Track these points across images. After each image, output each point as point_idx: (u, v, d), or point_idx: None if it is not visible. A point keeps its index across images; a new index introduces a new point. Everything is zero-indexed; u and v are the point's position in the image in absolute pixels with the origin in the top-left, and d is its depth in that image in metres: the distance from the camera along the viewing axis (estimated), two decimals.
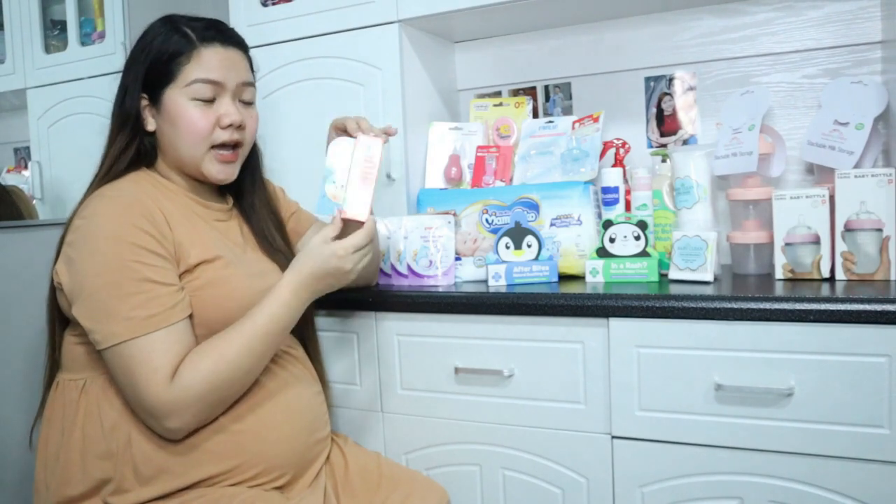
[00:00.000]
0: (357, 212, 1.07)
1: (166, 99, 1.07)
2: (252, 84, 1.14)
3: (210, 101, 1.07)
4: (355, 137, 1.12)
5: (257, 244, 1.18)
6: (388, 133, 1.17)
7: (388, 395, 1.32)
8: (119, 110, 1.10)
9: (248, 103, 1.13)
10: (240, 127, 1.10)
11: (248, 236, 1.18)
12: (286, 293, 1.03)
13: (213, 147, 1.08)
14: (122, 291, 0.95)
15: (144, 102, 1.09)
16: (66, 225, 1.04)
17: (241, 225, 1.19)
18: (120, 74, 1.11)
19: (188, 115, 1.06)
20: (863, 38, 1.39)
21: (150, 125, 1.09)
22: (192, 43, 1.07)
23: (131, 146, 1.09)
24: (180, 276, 1.02)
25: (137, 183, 1.06)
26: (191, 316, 1.01)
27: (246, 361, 1.00)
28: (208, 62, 1.07)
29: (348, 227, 1.07)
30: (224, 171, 1.11)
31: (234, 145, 1.11)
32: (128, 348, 0.95)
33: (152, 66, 1.07)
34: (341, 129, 1.16)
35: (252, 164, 1.21)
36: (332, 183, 1.09)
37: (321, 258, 1.03)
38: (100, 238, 0.97)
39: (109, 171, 1.08)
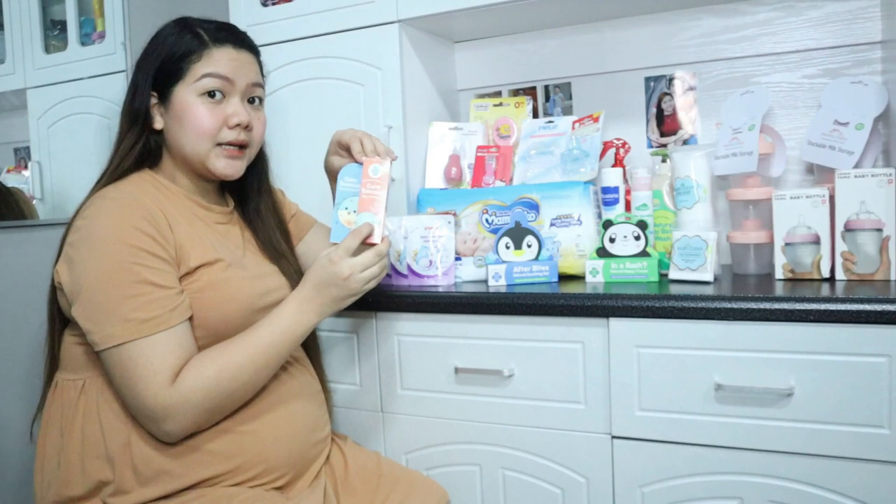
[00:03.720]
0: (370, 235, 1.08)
1: (175, 96, 1.07)
2: (261, 86, 1.14)
3: (219, 101, 1.07)
4: (361, 163, 1.12)
5: (260, 248, 1.18)
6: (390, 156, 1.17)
7: (388, 395, 1.32)
8: (129, 108, 1.10)
9: (258, 106, 1.13)
10: (247, 128, 1.10)
11: (248, 239, 1.18)
12: (291, 306, 1.04)
13: (219, 144, 1.08)
14: (122, 293, 0.95)
15: (154, 101, 1.09)
16: (68, 225, 1.04)
17: (242, 228, 1.19)
18: (126, 73, 1.12)
19: (195, 112, 1.06)
20: (863, 38, 1.39)
21: (158, 123, 1.09)
22: (204, 43, 1.07)
23: (138, 144, 1.09)
24: (181, 278, 1.02)
25: (139, 184, 1.06)
26: (191, 318, 1.01)
27: (249, 371, 1.00)
28: (219, 60, 1.07)
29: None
30: (230, 165, 1.10)
31: (241, 146, 1.10)
32: (126, 350, 0.95)
33: (163, 64, 1.07)
34: (345, 148, 1.16)
35: (259, 169, 1.21)
36: (345, 209, 1.10)
37: (320, 267, 1.05)
38: (101, 239, 0.97)
39: (117, 168, 1.08)
